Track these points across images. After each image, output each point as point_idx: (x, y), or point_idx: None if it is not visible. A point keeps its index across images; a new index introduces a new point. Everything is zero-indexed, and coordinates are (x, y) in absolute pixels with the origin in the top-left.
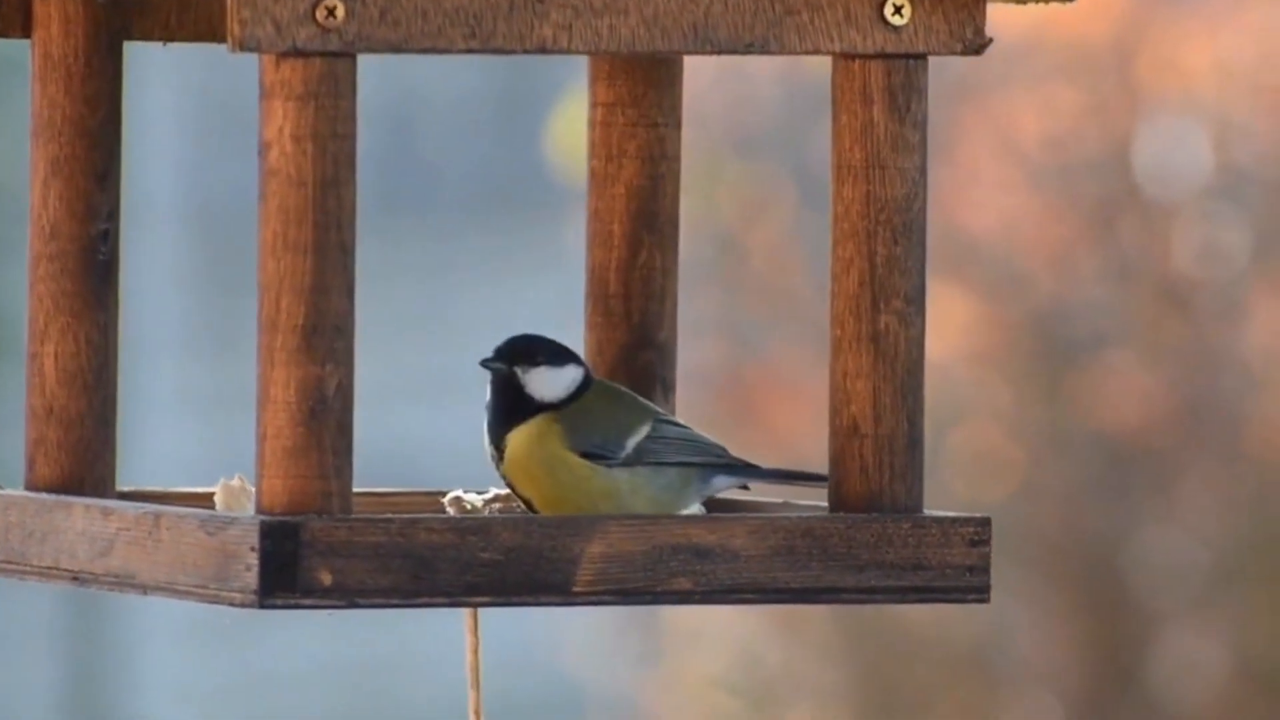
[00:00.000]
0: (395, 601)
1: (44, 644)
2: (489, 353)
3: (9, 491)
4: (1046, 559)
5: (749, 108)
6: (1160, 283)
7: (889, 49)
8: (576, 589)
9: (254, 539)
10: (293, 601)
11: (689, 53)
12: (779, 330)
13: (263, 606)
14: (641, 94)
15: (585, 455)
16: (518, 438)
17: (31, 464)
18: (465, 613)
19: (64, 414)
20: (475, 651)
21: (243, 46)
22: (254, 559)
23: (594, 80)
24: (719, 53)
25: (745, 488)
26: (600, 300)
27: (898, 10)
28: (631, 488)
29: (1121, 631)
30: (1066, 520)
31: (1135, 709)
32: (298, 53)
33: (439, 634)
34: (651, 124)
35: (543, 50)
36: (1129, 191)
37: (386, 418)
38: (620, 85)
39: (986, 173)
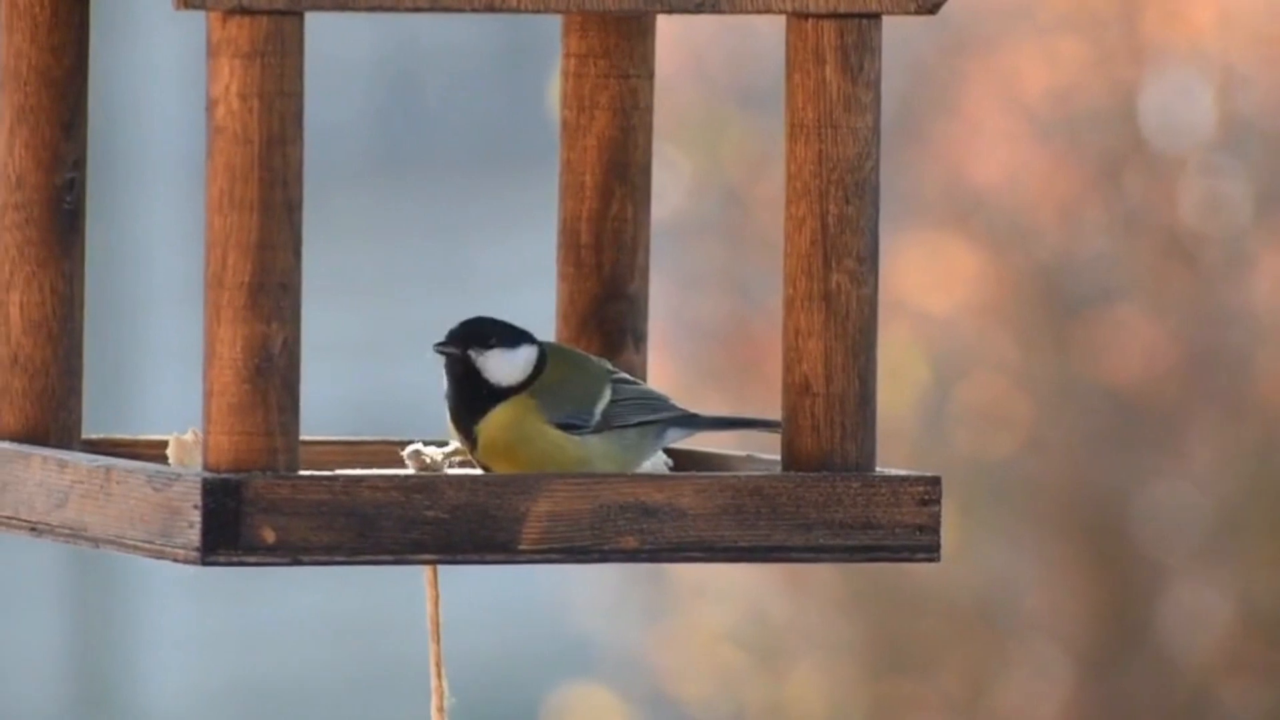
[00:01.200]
0: (339, 559)
1: (44, 598)
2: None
3: None
4: (1053, 512)
5: (751, 61)
6: (1166, 235)
7: (841, 8)
8: (522, 547)
9: (197, 496)
10: (235, 559)
11: (640, 12)
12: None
13: (205, 563)
14: (613, 45)
15: (560, 426)
16: (496, 422)
17: None
18: (425, 568)
19: (29, 363)
20: (435, 604)
21: (188, 4)
22: (197, 516)
23: (566, 32)
24: (669, 11)
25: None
26: (572, 251)
27: None
28: (602, 452)
29: (1128, 583)
30: (1073, 473)
31: (1143, 660)
32: (243, 10)
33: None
34: (623, 75)
35: (491, 9)
36: (1134, 144)
37: (386, 371)
38: (592, 36)
39: (991, 125)
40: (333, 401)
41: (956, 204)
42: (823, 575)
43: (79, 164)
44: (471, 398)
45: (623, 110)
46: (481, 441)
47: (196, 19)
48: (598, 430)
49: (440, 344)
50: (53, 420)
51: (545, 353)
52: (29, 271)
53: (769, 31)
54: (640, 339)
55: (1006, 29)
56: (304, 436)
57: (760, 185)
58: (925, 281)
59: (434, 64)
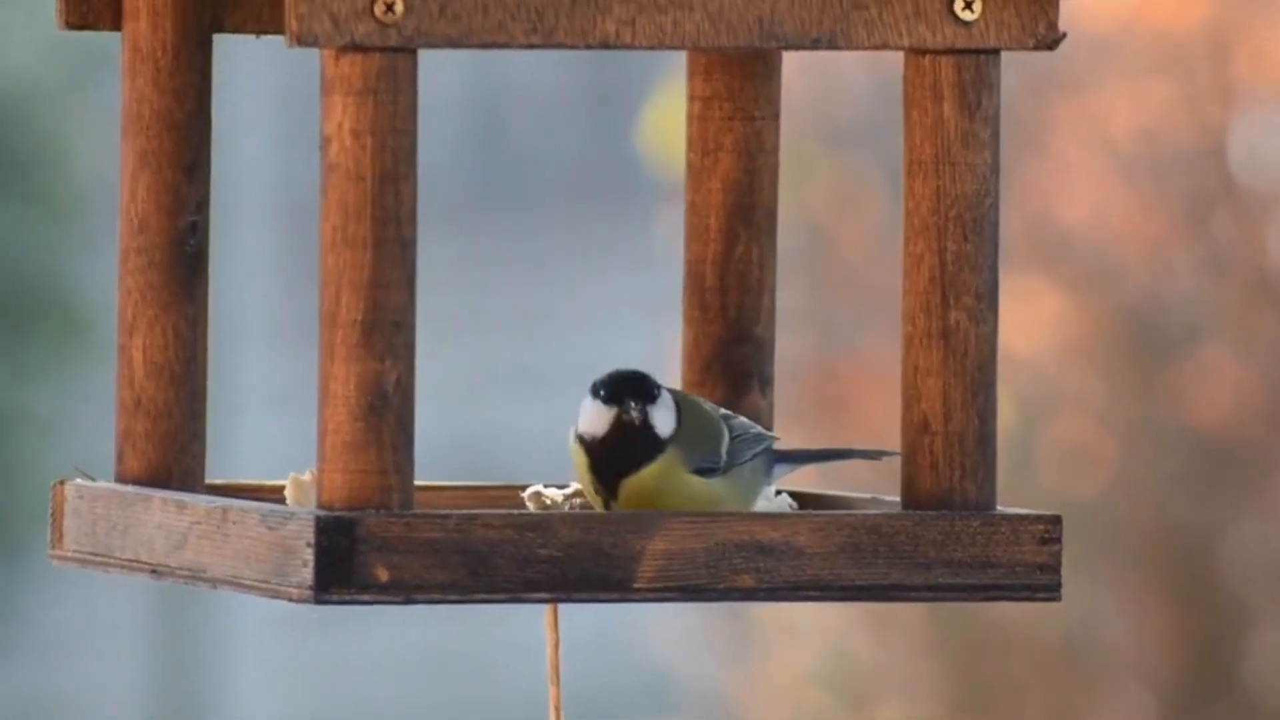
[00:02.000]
0: (452, 598)
1: (133, 636)
2: (602, 390)
3: (98, 484)
4: (1140, 553)
5: (838, 99)
6: (1254, 276)
7: (959, 44)
8: (637, 585)
9: (310, 534)
10: (349, 597)
11: (754, 48)
12: (869, 323)
13: (318, 602)
14: (739, 87)
15: (697, 472)
16: (648, 474)
17: (120, 456)
18: (546, 608)
19: (151, 406)
20: (555, 647)
21: (300, 41)
22: (310, 554)
23: (691, 74)
24: (785, 48)
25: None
26: (697, 294)
27: (968, 5)
28: (731, 492)
29: (1216, 626)
30: (1160, 514)
31: (1231, 703)
32: (356, 48)
33: (525, 627)
34: (748, 117)
35: (605, 46)
36: (1223, 184)
37: (481, 410)
38: (717, 79)
39: (1079, 165)
40: (426, 441)
41: (1044, 244)
42: (907, 615)
43: (201, 207)
44: (634, 452)
45: (747, 152)
46: (625, 494)
47: (289, 58)
48: (725, 470)
49: (626, 409)
50: (175, 463)
51: (677, 400)
52: (151, 315)
53: (854, 69)
54: (766, 383)
55: (1094, 69)
56: (422, 481)
57: (846, 224)
58: (1012, 322)
59: (521, 103)
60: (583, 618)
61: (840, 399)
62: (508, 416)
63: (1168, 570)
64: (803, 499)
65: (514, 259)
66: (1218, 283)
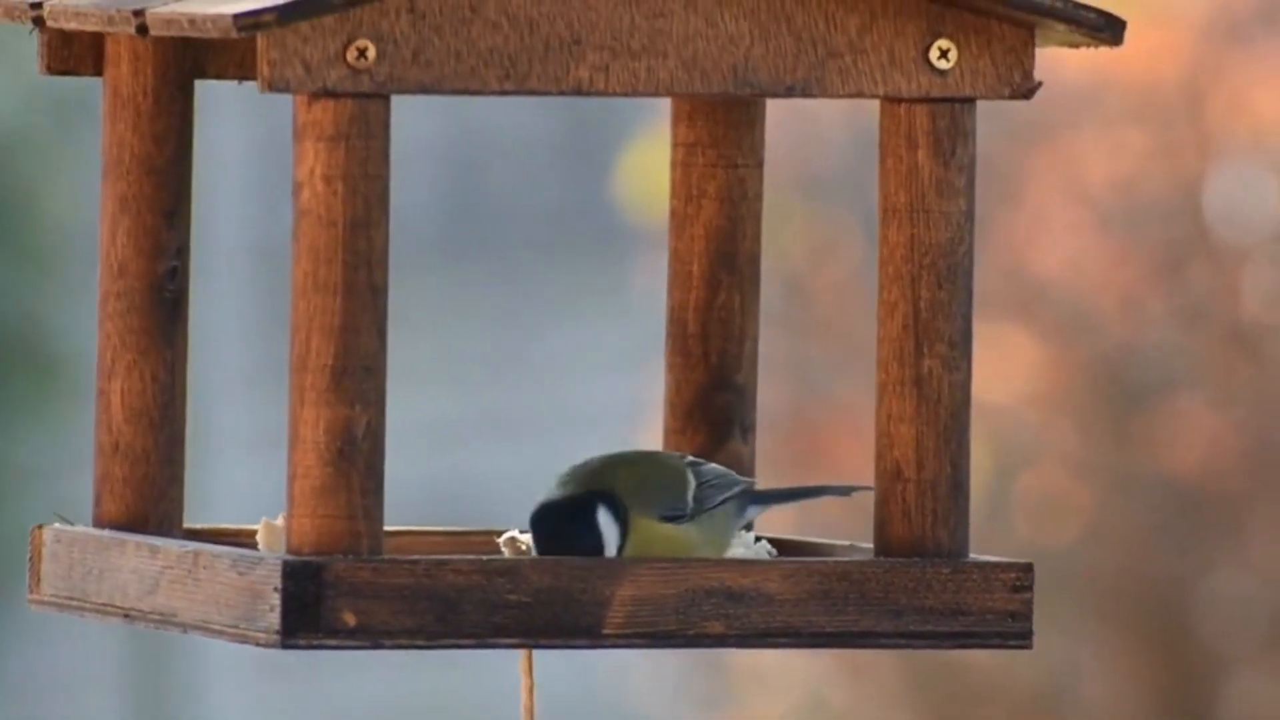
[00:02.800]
0: (420, 643)
1: (110, 681)
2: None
3: (76, 528)
4: (1114, 602)
5: (815, 149)
6: (1229, 326)
7: (934, 93)
8: (606, 631)
9: (277, 579)
10: (316, 642)
11: (729, 96)
12: (845, 372)
13: (285, 646)
14: (722, 135)
15: (665, 520)
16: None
17: (98, 500)
18: (521, 654)
19: (130, 450)
20: (530, 692)
21: (272, 87)
22: (277, 599)
23: (675, 121)
24: (759, 95)
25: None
26: (679, 341)
27: (944, 54)
28: (703, 537)
29: (1190, 675)
30: (1134, 563)
31: None
32: (328, 94)
33: (502, 673)
34: (731, 165)
35: (578, 92)
36: (1198, 234)
37: (457, 456)
38: (700, 126)
39: (1055, 215)
40: (398, 487)
41: (1019, 293)
42: (882, 663)
43: (181, 252)
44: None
45: (730, 200)
46: None
47: (265, 104)
48: (693, 516)
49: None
50: (153, 508)
51: (619, 500)
52: (131, 360)
53: (832, 119)
54: (748, 429)
55: (1070, 119)
56: (397, 526)
57: (822, 273)
58: (987, 371)
59: (497, 151)
60: (560, 665)
61: (816, 447)
62: (484, 462)
63: (1142, 619)
64: (781, 545)
65: (489, 306)
66: (1192, 332)
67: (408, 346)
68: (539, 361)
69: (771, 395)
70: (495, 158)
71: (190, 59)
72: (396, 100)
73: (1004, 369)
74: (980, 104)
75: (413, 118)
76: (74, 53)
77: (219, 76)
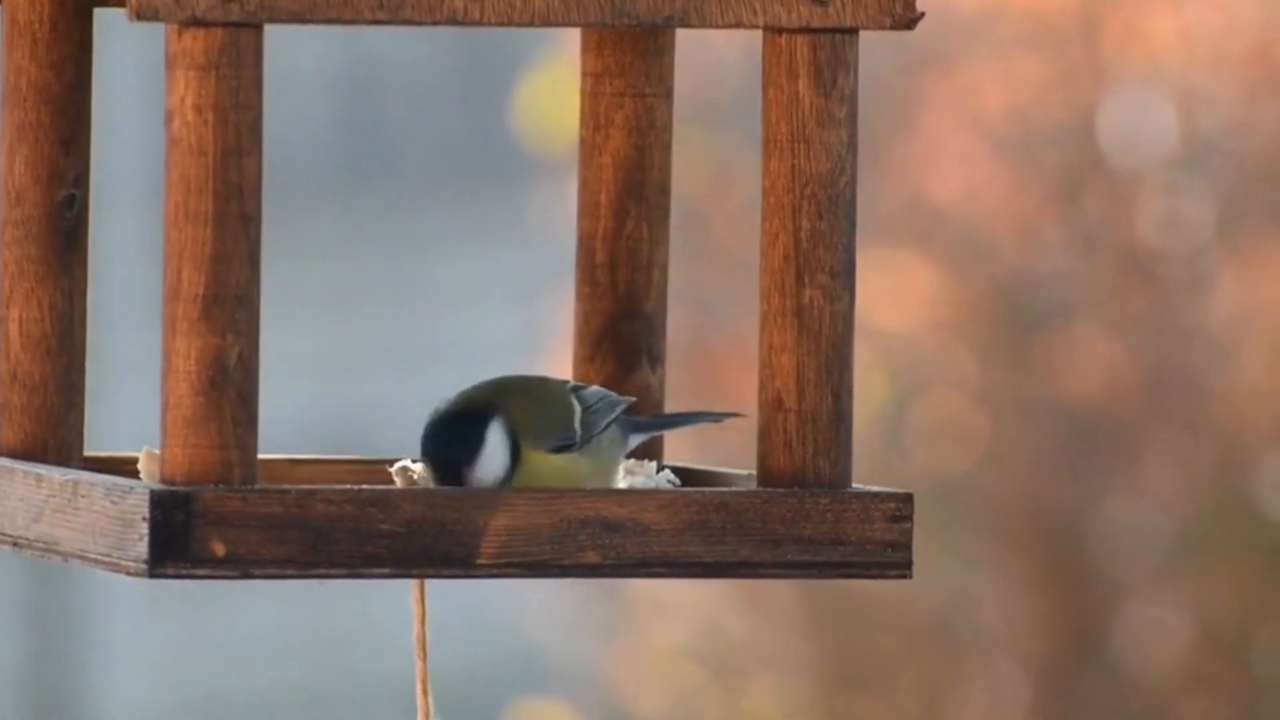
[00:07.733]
0: (291, 573)
1: (4, 609)
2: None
3: None
4: (1010, 528)
5: (712, 76)
6: (1125, 253)
7: (815, 23)
8: (480, 561)
9: (146, 508)
10: (184, 571)
11: (605, 25)
12: (743, 301)
13: (153, 575)
14: (629, 64)
15: (555, 451)
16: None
17: None
18: (413, 583)
19: (28, 379)
20: (422, 622)
21: (140, 16)
22: (145, 528)
23: (584, 50)
24: (637, 25)
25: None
26: (588, 270)
27: None
28: (591, 468)
29: (1085, 601)
30: (1031, 490)
31: (1099, 677)
32: (198, 22)
33: (400, 603)
34: (639, 94)
35: (453, 22)
36: (1093, 161)
37: (354, 385)
38: (608, 55)
39: (950, 143)
40: (293, 417)
41: (915, 221)
42: (780, 592)
43: (80, 181)
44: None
45: (638, 129)
46: None
47: (157, 33)
48: (582, 445)
49: (436, 476)
50: (51, 436)
51: (510, 424)
52: (28, 288)
53: (730, 46)
54: (656, 359)
55: (966, 47)
56: (284, 454)
57: (720, 201)
58: (883, 298)
59: (394, 80)
60: (456, 596)
61: (717, 376)
62: (379, 392)
63: (1039, 546)
64: (684, 474)
65: (386, 236)
66: (1088, 259)
67: (303, 277)
68: (435, 292)
69: (672, 324)
70: (392, 86)
71: None
72: (290, 29)
73: (901, 296)
74: (876, 33)
75: (307, 45)
76: None
77: (118, 4)
